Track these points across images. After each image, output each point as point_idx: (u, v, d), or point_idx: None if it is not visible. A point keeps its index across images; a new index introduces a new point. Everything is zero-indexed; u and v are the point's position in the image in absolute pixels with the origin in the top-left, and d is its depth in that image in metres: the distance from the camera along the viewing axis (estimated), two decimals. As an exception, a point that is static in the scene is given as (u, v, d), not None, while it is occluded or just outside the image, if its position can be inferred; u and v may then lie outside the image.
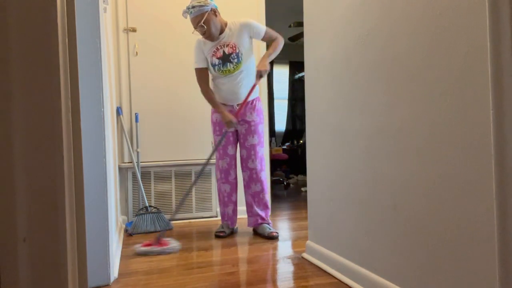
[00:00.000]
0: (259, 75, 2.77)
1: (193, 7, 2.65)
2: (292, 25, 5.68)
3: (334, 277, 1.91)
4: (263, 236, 2.80)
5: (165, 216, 3.19)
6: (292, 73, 7.62)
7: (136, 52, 3.41)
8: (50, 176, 0.63)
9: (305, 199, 2.50)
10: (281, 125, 7.59)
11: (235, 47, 2.76)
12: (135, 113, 3.38)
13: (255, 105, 2.88)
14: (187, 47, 3.50)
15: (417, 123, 1.37)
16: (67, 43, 0.70)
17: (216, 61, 2.78)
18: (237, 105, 2.85)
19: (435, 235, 1.30)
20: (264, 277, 1.97)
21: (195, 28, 2.70)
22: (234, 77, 2.80)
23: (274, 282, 1.90)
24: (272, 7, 4.20)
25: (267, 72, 2.80)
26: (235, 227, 3.02)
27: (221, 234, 2.84)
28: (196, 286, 1.85)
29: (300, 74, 7.27)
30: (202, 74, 2.85)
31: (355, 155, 1.78)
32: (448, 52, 1.23)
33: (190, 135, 3.52)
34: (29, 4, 0.62)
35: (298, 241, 2.64)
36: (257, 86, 2.87)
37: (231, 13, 3.64)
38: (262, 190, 2.87)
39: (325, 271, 2.00)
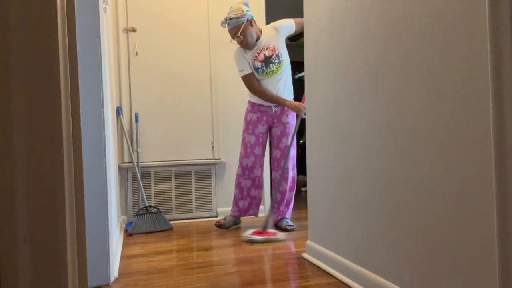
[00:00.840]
0: (297, 111, 2.93)
1: (231, 19, 2.83)
2: (292, 25, 5.67)
3: (334, 277, 1.91)
4: (281, 228, 2.96)
5: (165, 216, 3.19)
6: (292, 73, 7.62)
7: (136, 52, 3.41)
8: (50, 176, 0.63)
9: (305, 199, 2.50)
10: (281, 125, 7.57)
11: (274, 48, 2.94)
12: (135, 113, 3.38)
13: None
14: (187, 47, 3.50)
15: (417, 123, 1.37)
16: (67, 43, 0.70)
17: (259, 64, 2.93)
18: (275, 106, 3.00)
19: (435, 235, 1.30)
20: (264, 277, 1.97)
21: (233, 38, 2.89)
22: (276, 78, 2.98)
23: (274, 282, 1.90)
24: (272, 7, 4.20)
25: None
26: (240, 221, 3.14)
27: (220, 225, 3.01)
28: (196, 286, 1.85)
29: (300, 74, 7.26)
30: (252, 78, 2.98)
31: (355, 155, 1.78)
32: (448, 52, 1.23)
33: (190, 135, 3.52)
34: (29, 4, 0.62)
35: (298, 241, 2.64)
36: (291, 87, 3.13)
37: (231, 13, 3.63)
38: (289, 189, 3.04)
39: (325, 271, 2.00)
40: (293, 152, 3.03)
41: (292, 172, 3.04)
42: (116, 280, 1.96)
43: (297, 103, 2.97)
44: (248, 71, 2.96)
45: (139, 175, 3.26)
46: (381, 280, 1.57)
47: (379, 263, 1.60)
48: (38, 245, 0.62)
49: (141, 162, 3.35)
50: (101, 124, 1.82)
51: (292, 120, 3.03)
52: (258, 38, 2.95)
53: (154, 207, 3.19)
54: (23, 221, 0.61)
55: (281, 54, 2.95)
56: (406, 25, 1.42)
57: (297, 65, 7.50)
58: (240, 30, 2.82)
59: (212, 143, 3.56)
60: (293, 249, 2.48)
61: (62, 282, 0.63)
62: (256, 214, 3.13)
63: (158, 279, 1.96)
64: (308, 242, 2.28)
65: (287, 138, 3.00)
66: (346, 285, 1.80)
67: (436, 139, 1.29)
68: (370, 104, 1.65)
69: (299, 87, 7.30)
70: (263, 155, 3.08)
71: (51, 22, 0.64)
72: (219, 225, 3.03)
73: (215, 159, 3.52)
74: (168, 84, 3.48)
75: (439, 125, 1.27)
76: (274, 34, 2.97)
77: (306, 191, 2.83)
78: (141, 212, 3.11)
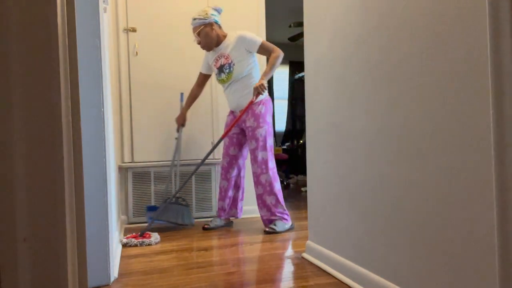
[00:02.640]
0: (256, 92, 2.89)
1: (194, 19, 2.99)
2: (292, 25, 5.68)
3: (334, 277, 1.91)
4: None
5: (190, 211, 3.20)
6: (292, 73, 7.63)
7: (136, 52, 3.41)
8: (50, 176, 0.63)
9: (305, 199, 2.50)
10: (281, 125, 7.59)
11: (228, 58, 2.98)
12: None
13: (254, 110, 2.97)
14: (187, 47, 3.50)
15: (418, 123, 1.37)
16: (67, 43, 0.70)
17: (216, 70, 3.06)
18: (239, 111, 3.03)
19: (436, 235, 1.30)
20: (264, 277, 1.97)
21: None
22: (229, 86, 3.04)
23: (274, 282, 1.90)
24: (272, 7, 4.20)
25: (265, 90, 2.88)
26: (230, 221, 3.20)
27: (205, 227, 3.06)
28: (196, 286, 1.85)
29: (300, 74, 7.27)
30: (199, 76, 3.24)
31: (355, 155, 1.78)
32: (449, 52, 1.23)
33: (190, 135, 3.52)
34: (29, 4, 0.62)
35: (298, 241, 2.64)
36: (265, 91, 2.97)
37: (231, 14, 3.64)
38: (263, 193, 2.90)
39: (325, 271, 2.00)
40: (262, 155, 2.90)
41: (264, 176, 2.89)
42: (116, 280, 1.96)
43: (178, 117, 3.27)
44: (201, 69, 3.21)
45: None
46: (381, 280, 1.57)
47: (379, 263, 1.61)
48: (38, 245, 0.62)
49: (141, 162, 3.36)
50: (101, 124, 1.82)
51: (254, 123, 2.92)
52: (219, 44, 3.02)
53: (184, 200, 3.22)
54: (23, 221, 0.61)
55: (233, 64, 2.95)
56: (406, 25, 1.42)
57: (297, 65, 7.54)
58: (198, 31, 2.96)
59: (212, 143, 3.56)
60: (293, 249, 2.48)
61: (62, 282, 0.63)
62: (235, 215, 3.16)
63: (158, 279, 1.96)
64: (308, 242, 2.28)
65: (251, 141, 2.94)
66: (346, 285, 1.80)
67: (436, 138, 1.29)
68: (370, 104, 1.65)
69: (299, 87, 7.34)
70: (241, 156, 3.11)
71: (51, 22, 0.64)
72: (205, 227, 3.07)
73: (215, 159, 3.52)
74: (168, 84, 3.48)
75: (439, 124, 1.27)
76: (233, 43, 2.96)
77: (306, 191, 2.83)
78: (171, 201, 3.06)
